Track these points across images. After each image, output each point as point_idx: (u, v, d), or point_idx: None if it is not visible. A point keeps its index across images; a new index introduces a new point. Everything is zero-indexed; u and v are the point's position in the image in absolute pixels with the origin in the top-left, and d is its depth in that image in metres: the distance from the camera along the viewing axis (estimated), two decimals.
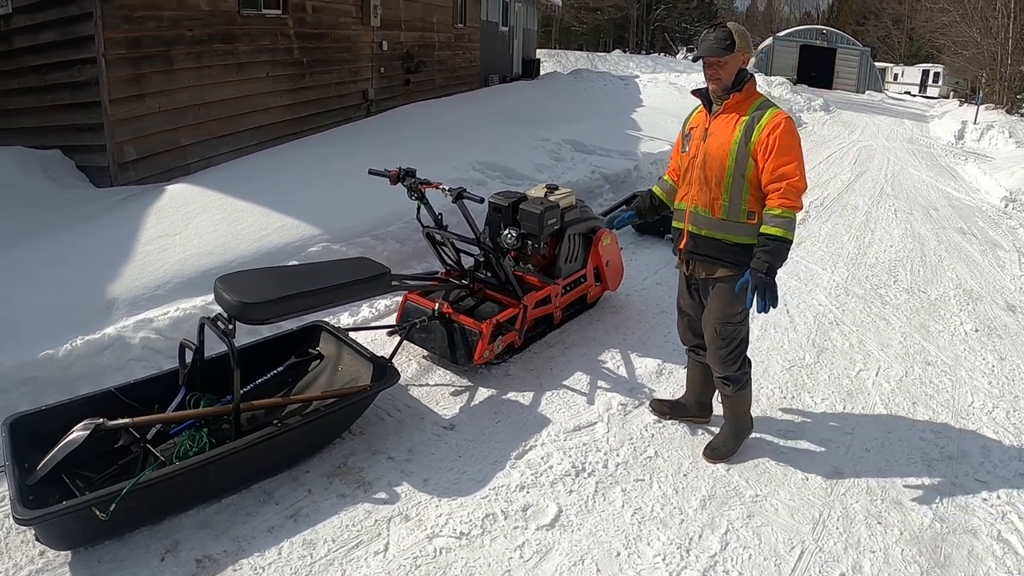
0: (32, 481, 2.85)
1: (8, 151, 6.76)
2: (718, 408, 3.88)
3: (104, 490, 2.71)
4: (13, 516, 2.59)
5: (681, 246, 3.57)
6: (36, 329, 4.08)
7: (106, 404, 3.25)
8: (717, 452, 3.70)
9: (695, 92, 3.51)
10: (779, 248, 3.21)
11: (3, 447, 2.95)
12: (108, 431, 3.00)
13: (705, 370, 3.81)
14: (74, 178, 6.92)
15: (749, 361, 3.67)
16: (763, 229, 3.24)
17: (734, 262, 3.36)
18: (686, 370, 4.05)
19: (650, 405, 4.13)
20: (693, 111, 3.60)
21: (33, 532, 2.79)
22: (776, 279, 3.27)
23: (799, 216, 3.36)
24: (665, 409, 4.07)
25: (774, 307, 3.28)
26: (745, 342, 3.59)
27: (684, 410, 4.04)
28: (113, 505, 2.65)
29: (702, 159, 3.38)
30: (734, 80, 3.30)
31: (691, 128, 3.53)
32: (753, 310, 3.35)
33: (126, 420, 3.07)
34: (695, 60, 3.39)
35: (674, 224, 3.61)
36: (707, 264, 3.47)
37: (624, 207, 7.54)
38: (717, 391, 3.72)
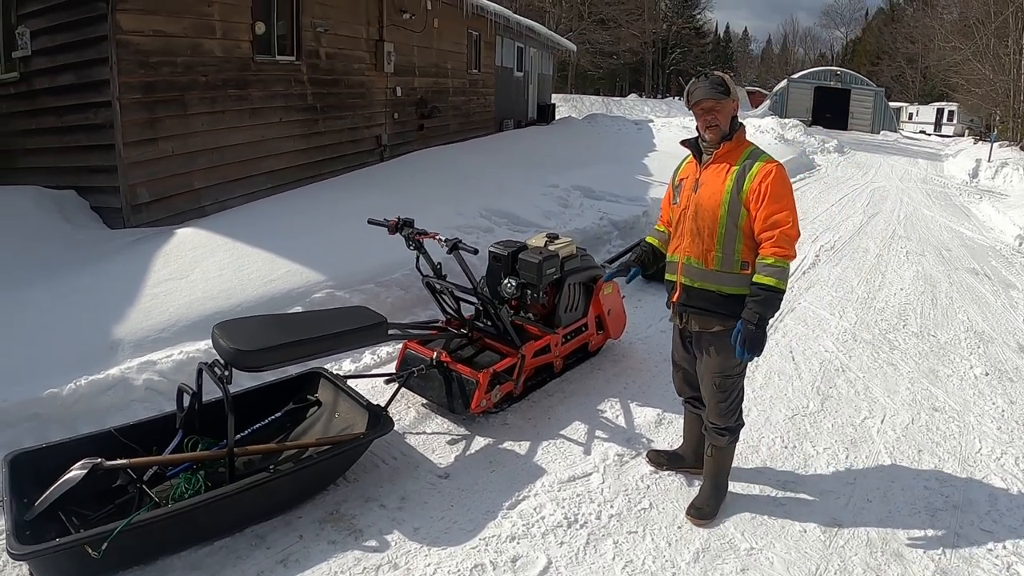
0: (30, 517, 2.90)
1: (25, 190, 6.92)
2: None
3: (98, 529, 2.77)
4: (8, 551, 2.64)
5: (674, 299, 3.55)
6: (42, 367, 4.14)
7: (105, 444, 3.31)
8: (702, 512, 3.58)
9: (684, 143, 3.53)
10: (770, 298, 3.17)
11: (2, 483, 3.01)
12: (106, 471, 3.06)
13: (702, 421, 3.74)
14: (88, 218, 7.05)
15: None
16: (755, 278, 3.21)
17: (728, 314, 3.31)
18: (683, 421, 4.03)
19: (647, 456, 4.08)
20: (682, 162, 3.61)
21: (28, 567, 2.82)
22: (769, 328, 3.25)
23: (792, 265, 3.35)
24: (662, 460, 4.02)
25: (757, 356, 3.27)
26: (743, 392, 3.56)
27: (681, 461, 3.99)
28: (105, 544, 2.70)
29: (693, 210, 3.37)
30: (730, 127, 3.32)
31: (681, 179, 3.54)
32: (766, 348, 3.36)
33: (124, 461, 3.13)
34: (691, 106, 3.38)
35: (667, 277, 3.59)
36: (701, 317, 3.42)
37: (630, 254, 7.55)
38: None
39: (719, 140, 3.33)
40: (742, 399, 3.56)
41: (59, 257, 5.84)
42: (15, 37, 7.26)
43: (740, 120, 3.42)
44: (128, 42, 6.76)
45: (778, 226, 3.17)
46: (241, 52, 8.33)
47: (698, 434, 3.80)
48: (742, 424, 3.59)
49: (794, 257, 3.23)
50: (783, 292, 3.20)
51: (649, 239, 3.87)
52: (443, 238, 4.21)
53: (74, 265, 5.58)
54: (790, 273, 3.29)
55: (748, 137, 3.48)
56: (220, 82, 8.01)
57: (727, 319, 3.31)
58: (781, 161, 3.42)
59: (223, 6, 7.95)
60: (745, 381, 3.57)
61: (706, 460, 3.63)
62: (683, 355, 3.70)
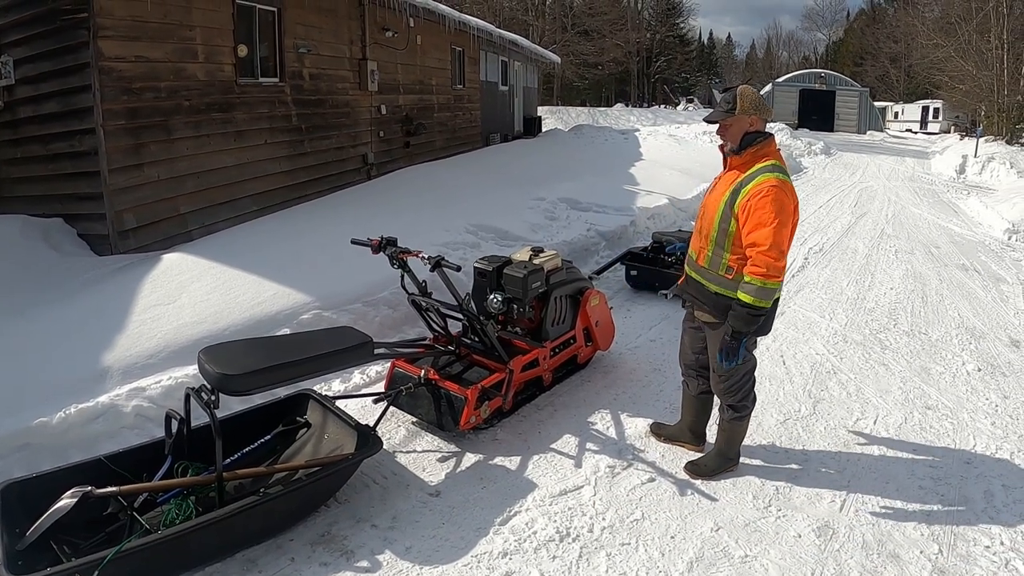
0: (21, 547, 2.91)
1: (12, 219, 6.90)
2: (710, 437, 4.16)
3: (88, 557, 2.75)
4: None
5: (679, 282, 3.98)
6: (32, 396, 4.13)
7: (95, 472, 3.30)
8: (697, 468, 3.94)
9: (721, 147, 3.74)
10: (744, 315, 3.40)
11: None
12: (96, 499, 3.05)
13: (696, 402, 4.07)
14: (75, 246, 7.02)
15: (754, 397, 3.87)
16: (737, 292, 3.43)
17: (713, 308, 3.60)
18: (681, 398, 4.29)
19: (649, 427, 4.43)
20: None
21: None
22: (744, 339, 3.49)
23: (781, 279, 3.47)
24: (662, 432, 4.34)
25: (735, 363, 3.55)
26: (747, 378, 3.79)
27: (679, 435, 4.28)
28: (96, 572, 2.69)
29: (702, 210, 3.70)
30: (740, 142, 3.52)
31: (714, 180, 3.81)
32: (756, 353, 3.78)
33: (113, 488, 3.12)
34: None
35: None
36: (694, 303, 3.80)
37: (620, 264, 7.59)
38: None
39: (731, 152, 3.59)
40: (747, 386, 3.82)
41: (47, 286, 5.81)
42: None
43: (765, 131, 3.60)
44: (111, 68, 6.77)
45: (755, 246, 3.38)
46: (224, 75, 8.34)
47: (693, 413, 4.13)
48: (746, 407, 3.83)
49: (775, 277, 3.36)
50: (760, 308, 3.38)
51: None
52: (426, 256, 4.21)
53: (62, 293, 5.56)
54: (775, 288, 3.41)
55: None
56: (204, 106, 8.02)
57: (713, 312, 3.64)
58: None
59: (205, 30, 7.95)
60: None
61: (718, 430, 3.99)
62: (689, 324, 4.02)
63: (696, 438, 4.21)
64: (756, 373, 5.18)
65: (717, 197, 3.58)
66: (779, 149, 3.70)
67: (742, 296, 3.39)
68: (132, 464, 3.42)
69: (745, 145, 3.52)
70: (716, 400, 3.97)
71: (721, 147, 3.67)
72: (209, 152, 8.13)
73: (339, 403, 4.10)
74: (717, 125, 3.62)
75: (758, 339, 3.83)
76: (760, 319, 3.43)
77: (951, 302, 7.42)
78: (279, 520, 3.38)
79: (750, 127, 3.52)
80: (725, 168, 3.68)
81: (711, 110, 3.72)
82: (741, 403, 3.80)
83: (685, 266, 3.90)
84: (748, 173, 3.48)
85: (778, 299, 3.65)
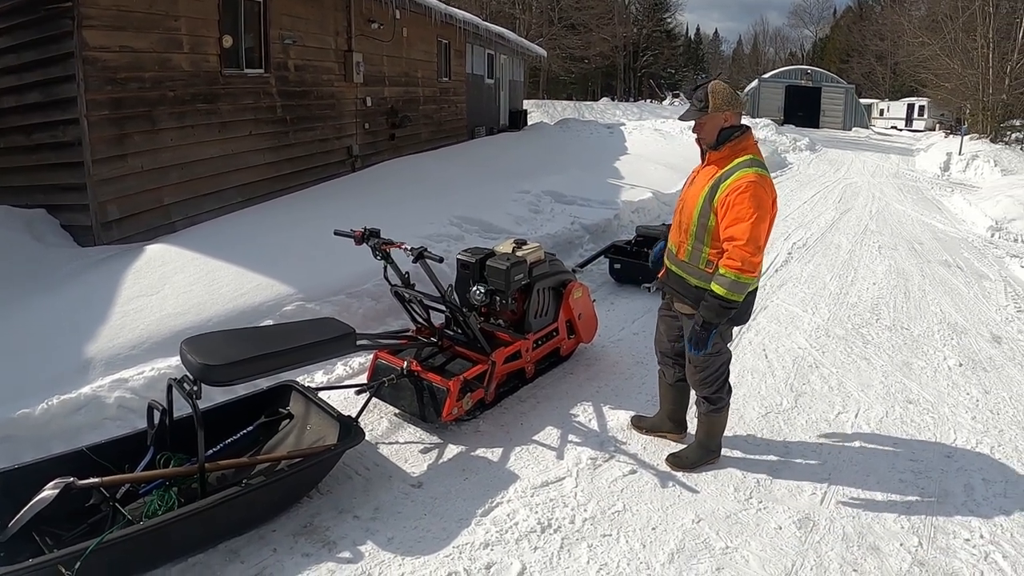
0: (3, 538, 2.89)
1: None
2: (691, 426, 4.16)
3: (70, 548, 2.73)
4: None
5: (659, 276, 4.04)
6: (14, 387, 4.10)
7: (78, 463, 3.27)
8: (678, 460, 3.96)
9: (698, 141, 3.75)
10: (716, 306, 3.44)
11: None
12: (79, 490, 3.03)
13: (673, 390, 4.12)
14: (58, 237, 6.96)
15: (729, 388, 3.89)
16: (711, 284, 3.47)
17: (694, 301, 3.64)
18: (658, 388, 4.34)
19: (631, 421, 4.43)
20: None
21: None
22: (713, 330, 3.52)
23: (764, 264, 3.44)
24: (643, 424, 4.36)
25: (703, 352, 3.57)
26: (722, 370, 3.81)
27: (660, 426, 4.31)
28: (79, 563, 2.67)
29: (681, 204, 3.71)
30: (717, 138, 3.53)
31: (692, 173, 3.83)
32: (738, 346, 3.59)
33: (96, 479, 3.10)
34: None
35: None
36: (674, 296, 3.82)
37: (603, 257, 7.62)
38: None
39: (708, 147, 3.60)
40: (722, 378, 3.85)
41: (29, 277, 5.76)
42: None
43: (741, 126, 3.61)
44: (95, 59, 6.71)
45: (732, 240, 3.41)
46: (209, 66, 8.29)
47: (671, 401, 4.18)
48: (722, 399, 3.85)
49: (749, 272, 3.39)
50: (731, 302, 3.42)
51: None
52: (409, 247, 4.21)
53: (45, 284, 5.52)
54: (749, 283, 3.45)
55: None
56: (189, 96, 7.96)
57: (695, 305, 3.63)
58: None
59: (190, 20, 7.90)
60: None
61: (697, 422, 4.00)
62: (665, 313, 4.06)
63: (677, 426, 4.25)
64: (738, 366, 5.26)
65: (696, 192, 3.60)
66: (757, 142, 3.71)
67: (715, 288, 3.43)
68: (114, 455, 3.40)
69: (723, 140, 3.54)
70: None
71: (698, 141, 3.68)
72: (193, 143, 8.09)
73: (322, 394, 4.11)
74: (692, 123, 3.65)
75: (736, 329, 3.87)
76: (731, 311, 3.47)
77: (933, 298, 7.48)
78: (261, 511, 3.37)
79: (725, 123, 3.54)
80: (703, 162, 3.69)
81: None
82: (716, 395, 3.83)
83: (665, 260, 3.93)
84: (727, 168, 3.49)
85: (755, 291, 3.68)
